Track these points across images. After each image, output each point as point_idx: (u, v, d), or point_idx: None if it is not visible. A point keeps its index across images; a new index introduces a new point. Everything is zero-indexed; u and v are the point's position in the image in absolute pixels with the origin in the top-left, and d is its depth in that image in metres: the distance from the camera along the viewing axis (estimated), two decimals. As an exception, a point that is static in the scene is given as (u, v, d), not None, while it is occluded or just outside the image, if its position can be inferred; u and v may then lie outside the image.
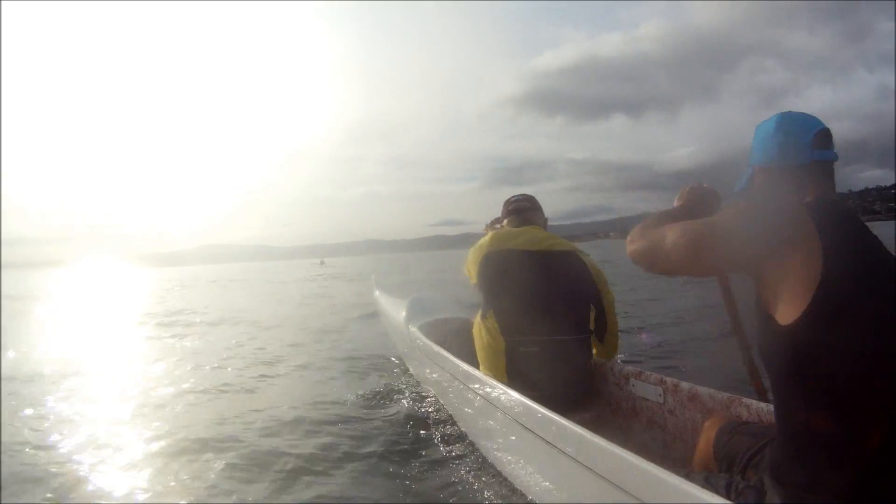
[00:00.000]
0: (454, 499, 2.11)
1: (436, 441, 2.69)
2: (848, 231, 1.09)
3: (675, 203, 1.59)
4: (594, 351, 2.55)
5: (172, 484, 2.35)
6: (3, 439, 2.92)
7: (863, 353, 0.98)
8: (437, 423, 2.93)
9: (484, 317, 2.44)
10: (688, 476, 1.24)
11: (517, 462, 2.12)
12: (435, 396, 3.28)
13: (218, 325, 8.35)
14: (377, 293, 4.60)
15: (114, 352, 6.29)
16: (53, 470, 2.53)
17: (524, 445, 1.98)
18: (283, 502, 2.17)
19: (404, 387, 3.76)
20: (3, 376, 4.41)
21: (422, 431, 2.85)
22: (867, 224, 1.17)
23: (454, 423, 2.84)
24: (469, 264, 2.52)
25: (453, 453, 2.51)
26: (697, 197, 1.57)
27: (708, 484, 1.23)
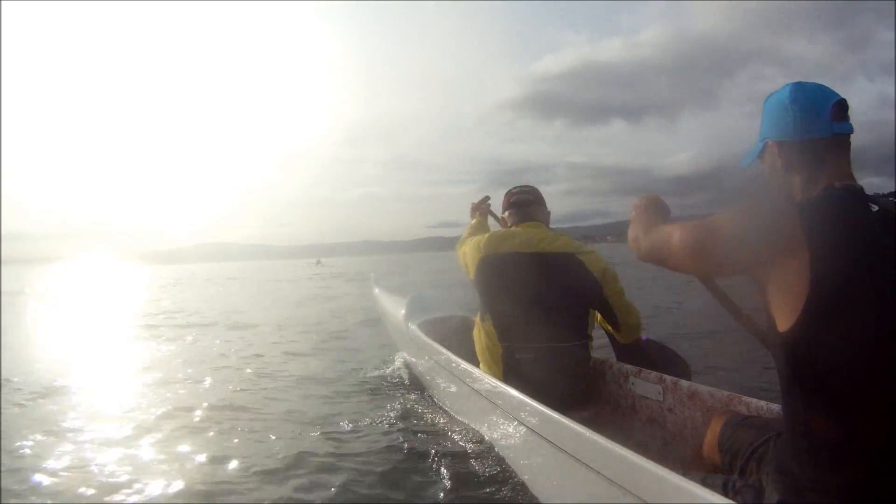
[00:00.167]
0: (453, 496, 2.10)
1: (434, 439, 2.68)
2: (845, 230, 1.03)
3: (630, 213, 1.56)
4: (618, 339, 2.54)
5: (172, 483, 2.34)
6: (2, 439, 2.91)
7: (860, 354, 0.97)
8: (436, 421, 2.92)
9: (483, 319, 2.43)
10: (685, 476, 1.24)
11: (517, 459, 2.12)
12: (434, 394, 3.27)
13: (210, 327, 8.00)
14: (376, 291, 4.60)
15: (101, 356, 5.85)
16: (54, 470, 2.52)
17: (523, 443, 1.98)
18: (280, 502, 2.16)
19: (403, 385, 3.75)
20: (2, 376, 4.39)
21: (420, 429, 2.84)
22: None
23: (453, 421, 2.83)
24: (467, 259, 2.49)
25: (452, 451, 2.50)
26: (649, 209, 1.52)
27: (706, 484, 1.23)
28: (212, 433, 2.97)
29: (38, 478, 2.42)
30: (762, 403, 1.74)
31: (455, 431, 2.72)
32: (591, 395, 2.48)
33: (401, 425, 2.95)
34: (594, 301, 2.40)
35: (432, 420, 2.96)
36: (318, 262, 56.71)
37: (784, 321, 1.02)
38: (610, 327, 2.53)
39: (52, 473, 2.47)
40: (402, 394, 3.55)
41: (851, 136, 1.18)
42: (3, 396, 3.82)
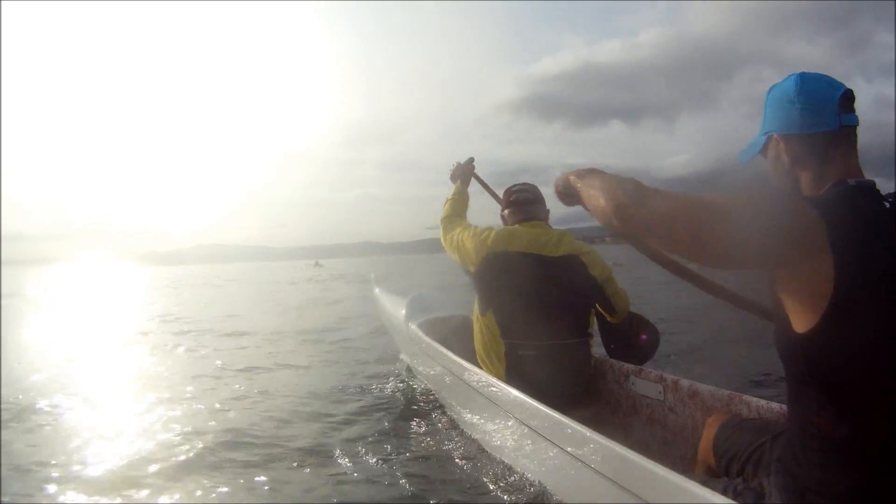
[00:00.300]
0: (453, 496, 2.11)
1: (435, 439, 2.68)
2: (867, 230, 0.98)
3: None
4: (610, 320, 2.59)
5: (172, 483, 2.35)
6: (2, 439, 2.91)
7: (880, 357, 0.95)
8: (437, 421, 2.93)
9: (483, 314, 2.42)
10: (686, 475, 1.24)
11: (517, 459, 2.12)
12: (435, 394, 3.27)
13: (203, 335, 7.35)
14: (377, 291, 4.60)
15: (88, 364, 5.41)
16: (53, 470, 2.52)
17: (524, 443, 1.98)
18: (281, 501, 2.16)
19: (403, 385, 3.75)
20: (2, 378, 4.38)
21: (421, 429, 2.84)
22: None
23: (454, 421, 2.84)
24: (466, 250, 2.42)
25: (453, 451, 2.51)
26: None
27: (706, 485, 1.23)
28: (210, 435, 2.96)
29: (39, 478, 2.42)
30: (762, 402, 1.74)
31: (455, 431, 2.72)
32: (591, 394, 2.49)
33: (400, 425, 2.95)
34: (594, 299, 2.46)
35: (432, 420, 2.96)
36: (317, 264, 56.68)
37: (802, 322, 0.98)
38: (602, 311, 2.58)
39: (52, 474, 2.47)
40: (402, 393, 3.56)
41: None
42: (2, 396, 3.81)
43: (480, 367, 2.44)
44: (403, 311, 3.56)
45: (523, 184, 2.62)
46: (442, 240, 2.61)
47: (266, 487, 2.27)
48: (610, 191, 1.14)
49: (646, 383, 2.23)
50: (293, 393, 3.91)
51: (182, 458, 2.61)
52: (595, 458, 1.48)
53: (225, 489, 2.26)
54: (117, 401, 3.78)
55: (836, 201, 1.03)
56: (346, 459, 2.53)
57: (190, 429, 3.03)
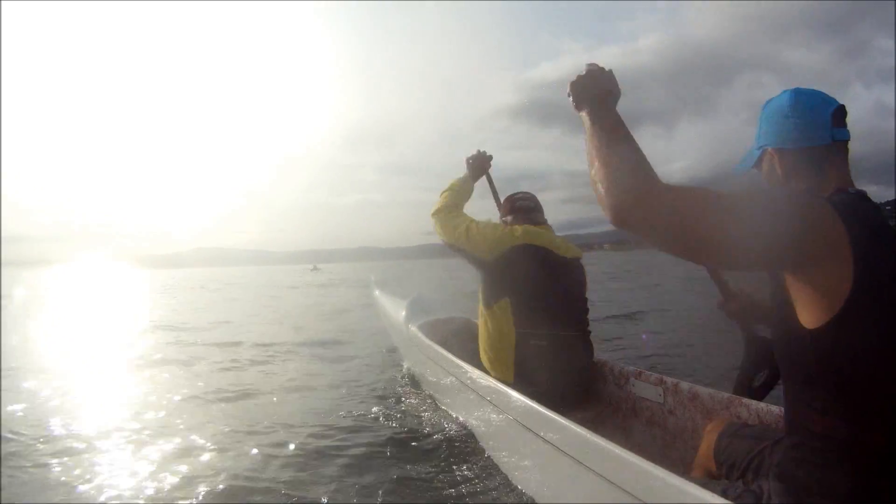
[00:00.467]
0: (454, 498, 2.11)
1: (435, 441, 2.68)
2: (875, 231, 1.01)
3: (576, 109, 1.20)
4: None
5: (172, 482, 2.35)
6: (2, 439, 2.91)
7: (887, 354, 0.96)
8: (437, 422, 2.93)
9: (490, 305, 2.43)
10: (686, 478, 1.24)
11: (517, 461, 2.12)
12: (434, 396, 3.27)
13: (196, 347, 6.51)
14: (377, 293, 4.60)
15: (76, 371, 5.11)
16: (53, 470, 2.52)
17: (524, 444, 1.98)
18: (281, 502, 2.16)
19: (403, 387, 3.75)
20: (2, 378, 4.37)
21: (421, 431, 2.84)
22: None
23: (454, 423, 2.84)
24: (488, 239, 2.42)
25: (453, 453, 2.51)
26: (592, 84, 1.19)
27: (706, 488, 1.24)
28: (210, 437, 2.96)
29: (39, 478, 2.42)
30: (762, 406, 1.74)
31: (456, 433, 2.72)
32: (591, 396, 2.50)
33: (399, 426, 2.95)
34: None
35: (432, 421, 2.96)
36: (315, 268, 56.65)
37: (813, 318, 0.99)
38: None
39: (52, 473, 2.47)
40: (402, 395, 3.56)
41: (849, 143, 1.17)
42: (2, 396, 3.81)
43: (480, 369, 2.45)
44: (403, 313, 3.57)
45: (525, 192, 2.71)
46: (441, 226, 2.57)
47: (263, 488, 2.27)
48: (617, 182, 1.01)
49: (646, 386, 2.24)
50: (283, 395, 3.91)
51: (179, 466, 2.60)
52: (595, 460, 1.48)
53: (227, 486, 2.27)
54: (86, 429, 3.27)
55: (848, 203, 1.04)
56: (343, 461, 2.53)
57: (189, 428, 3.03)
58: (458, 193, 2.72)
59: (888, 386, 0.97)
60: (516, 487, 2.08)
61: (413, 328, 3.34)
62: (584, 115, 1.17)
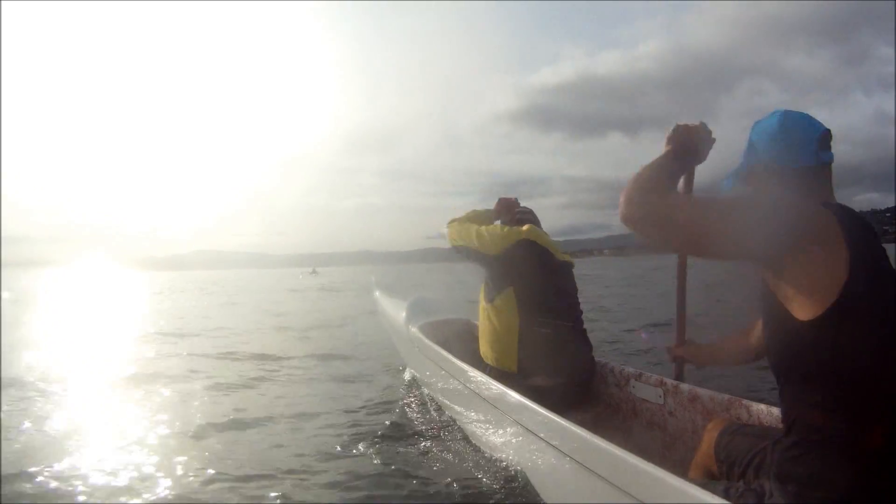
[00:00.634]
0: (455, 499, 2.11)
1: (436, 441, 2.69)
2: (863, 234, 1.09)
3: (665, 147, 1.43)
4: None
5: (172, 482, 2.35)
6: (2, 439, 2.90)
7: (881, 351, 0.99)
8: (438, 423, 2.93)
9: (492, 299, 2.58)
10: (686, 479, 1.24)
11: (517, 462, 2.12)
12: (435, 397, 3.27)
13: (193, 359, 5.78)
14: (377, 294, 4.61)
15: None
16: (53, 470, 2.51)
17: (524, 445, 1.98)
18: (280, 501, 2.16)
19: (404, 388, 3.75)
20: (1, 377, 4.36)
21: (422, 432, 2.85)
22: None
23: (455, 424, 2.84)
24: (496, 236, 2.64)
25: (454, 454, 2.51)
26: (688, 137, 1.43)
27: (706, 488, 1.24)
28: (212, 438, 2.96)
29: (39, 478, 2.41)
30: (762, 407, 1.74)
31: (456, 433, 2.72)
32: (592, 397, 2.50)
33: (400, 427, 2.95)
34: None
35: (433, 422, 2.96)
36: (314, 272, 56.56)
37: (806, 310, 1.03)
38: None
39: (52, 474, 2.47)
40: (403, 396, 3.56)
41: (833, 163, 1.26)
42: (2, 397, 3.81)
43: (481, 370, 2.46)
44: (404, 315, 3.57)
45: (524, 207, 2.97)
46: (455, 230, 2.83)
47: (264, 489, 2.27)
48: (631, 192, 1.18)
49: (646, 387, 2.24)
50: (285, 398, 3.91)
51: (182, 454, 2.60)
52: (595, 462, 1.48)
53: (227, 485, 2.27)
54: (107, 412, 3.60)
55: (835, 205, 1.13)
56: (343, 461, 2.53)
57: (190, 423, 3.03)
58: (478, 215, 3.01)
59: (886, 379, 0.98)
60: (517, 488, 2.08)
61: (414, 329, 3.34)
62: (668, 149, 1.40)
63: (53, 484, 2.36)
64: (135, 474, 2.42)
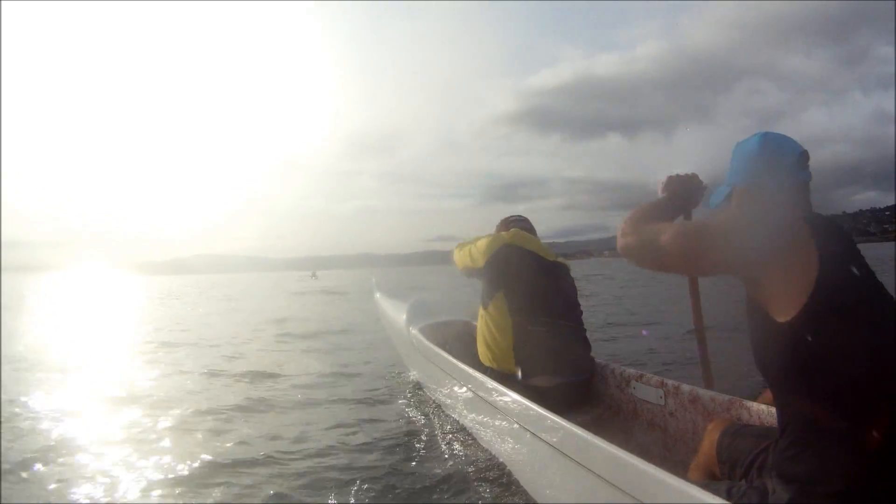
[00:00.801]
0: (454, 498, 2.11)
1: (436, 442, 2.68)
2: (838, 239, 1.17)
3: (660, 192, 1.62)
4: None
5: (172, 482, 2.34)
6: (2, 439, 2.90)
7: (859, 345, 1.04)
8: (438, 425, 2.93)
9: (486, 305, 2.63)
10: (687, 479, 1.24)
11: (518, 463, 2.12)
12: (435, 399, 3.27)
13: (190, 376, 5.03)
14: (378, 295, 4.61)
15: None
16: (53, 470, 2.51)
17: (525, 446, 1.98)
18: (281, 501, 2.16)
19: (404, 389, 3.75)
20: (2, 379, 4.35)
21: (422, 433, 2.84)
22: (859, 245, 1.26)
23: (455, 425, 2.84)
24: (480, 248, 2.72)
25: (454, 455, 2.51)
26: (681, 186, 1.61)
27: (708, 488, 1.24)
28: (211, 435, 2.96)
29: (39, 478, 2.41)
30: (763, 407, 1.74)
31: (456, 434, 2.72)
32: (592, 398, 2.50)
33: (400, 428, 2.95)
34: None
35: (433, 423, 2.96)
36: (314, 275, 56.49)
37: (784, 312, 1.09)
38: None
39: (53, 474, 2.46)
40: (403, 397, 3.56)
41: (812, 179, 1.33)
42: (3, 397, 3.80)
43: (481, 371, 2.46)
44: (404, 316, 3.57)
45: (518, 216, 3.04)
46: (457, 257, 2.92)
47: (264, 489, 2.26)
48: (627, 233, 1.33)
49: (647, 388, 2.24)
50: (286, 401, 3.90)
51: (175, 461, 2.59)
52: (596, 462, 1.47)
53: (227, 486, 2.26)
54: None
55: (810, 215, 1.22)
56: (344, 461, 2.53)
57: (191, 422, 3.02)
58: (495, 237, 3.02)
59: (868, 374, 1.02)
60: (517, 489, 2.08)
61: (414, 331, 3.34)
62: (663, 195, 1.58)
63: (53, 484, 2.36)
64: (135, 475, 2.42)
